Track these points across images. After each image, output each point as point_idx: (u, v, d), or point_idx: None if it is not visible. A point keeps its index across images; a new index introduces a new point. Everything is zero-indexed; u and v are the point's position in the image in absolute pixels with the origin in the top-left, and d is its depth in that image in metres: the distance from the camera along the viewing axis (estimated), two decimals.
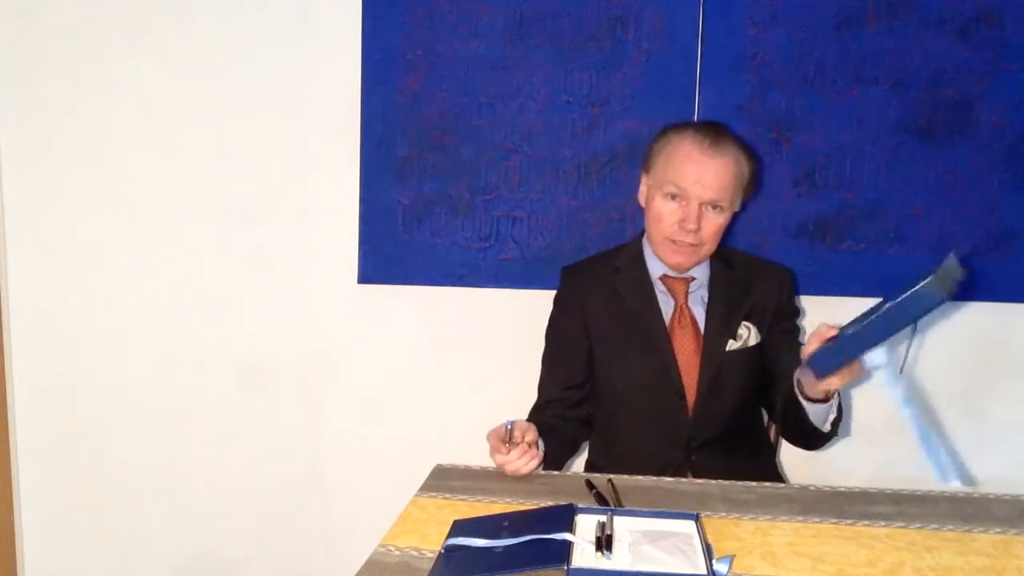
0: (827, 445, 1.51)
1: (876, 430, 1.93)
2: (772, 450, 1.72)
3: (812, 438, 1.41)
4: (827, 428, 1.36)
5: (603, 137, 1.85)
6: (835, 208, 1.83)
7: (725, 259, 1.57)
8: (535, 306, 1.84)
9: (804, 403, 1.32)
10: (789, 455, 1.86)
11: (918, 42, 1.78)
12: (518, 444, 1.31)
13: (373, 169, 1.90)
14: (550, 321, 1.63)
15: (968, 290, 1.83)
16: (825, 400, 1.32)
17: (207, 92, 1.94)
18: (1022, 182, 1.80)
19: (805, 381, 1.27)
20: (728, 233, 1.58)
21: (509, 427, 1.32)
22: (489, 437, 1.35)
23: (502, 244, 1.90)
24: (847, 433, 1.90)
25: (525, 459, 1.31)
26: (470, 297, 1.94)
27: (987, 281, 1.83)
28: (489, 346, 1.96)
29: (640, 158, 1.81)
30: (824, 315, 1.82)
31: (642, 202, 1.57)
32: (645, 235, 1.58)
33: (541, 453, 1.36)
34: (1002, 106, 1.78)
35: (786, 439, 1.56)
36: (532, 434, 1.34)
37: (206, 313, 2.01)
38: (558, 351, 1.60)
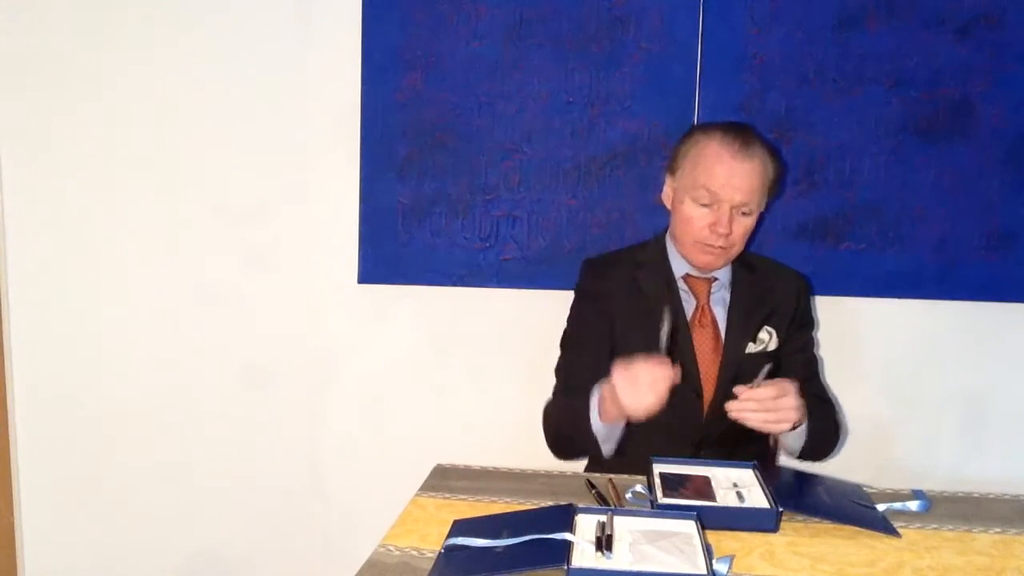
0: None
1: (876, 430, 1.93)
2: (774, 454, 1.73)
3: (803, 457, 1.48)
4: (796, 456, 1.45)
5: (603, 137, 1.85)
6: (835, 208, 1.83)
7: (745, 262, 1.57)
8: (535, 306, 1.85)
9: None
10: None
11: (918, 42, 1.78)
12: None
13: (373, 169, 1.90)
14: (574, 310, 1.60)
15: (968, 290, 1.83)
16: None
17: (207, 92, 1.94)
18: (1022, 183, 1.80)
19: None
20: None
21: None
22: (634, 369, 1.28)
23: (502, 244, 1.90)
24: (845, 434, 1.90)
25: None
26: (470, 297, 1.94)
27: (987, 281, 1.83)
28: (489, 346, 1.96)
29: (640, 158, 1.83)
30: (824, 315, 1.84)
31: (667, 203, 1.57)
32: (668, 233, 1.58)
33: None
34: (1002, 106, 1.78)
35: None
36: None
37: (206, 313, 2.01)
38: (583, 337, 1.57)
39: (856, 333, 1.89)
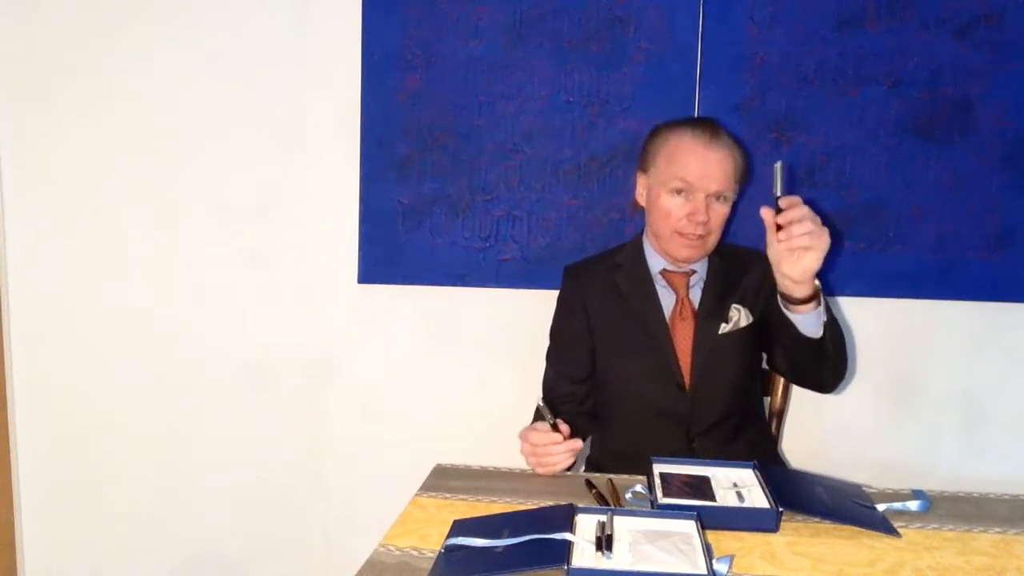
0: (840, 388, 1.51)
1: (876, 430, 1.93)
2: (773, 441, 1.73)
3: (818, 365, 1.40)
4: (819, 332, 1.34)
5: (603, 137, 1.85)
6: (835, 208, 1.83)
7: (720, 252, 1.59)
8: (535, 306, 1.84)
9: (790, 315, 1.33)
10: (791, 454, 1.86)
11: (918, 42, 1.78)
12: (561, 433, 1.35)
13: (373, 169, 1.90)
14: (554, 319, 1.65)
15: (969, 290, 1.83)
16: (809, 301, 1.31)
17: (207, 92, 1.94)
18: (1022, 183, 1.80)
19: (780, 287, 1.32)
20: (728, 233, 1.59)
21: (551, 420, 1.36)
22: (524, 433, 1.38)
23: (502, 244, 1.90)
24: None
25: (566, 451, 1.35)
26: (470, 297, 1.94)
27: (987, 281, 1.83)
28: (489, 346, 1.96)
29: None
30: None
31: (641, 202, 1.59)
32: (645, 232, 1.61)
33: (576, 450, 1.38)
34: (1002, 106, 1.78)
35: (797, 382, 1.56)
36: (567, 429, 1.37)
37: (206, 313, 2.01)
38: (563, 348, 1.62)
39: (856, 333, 1.89)
